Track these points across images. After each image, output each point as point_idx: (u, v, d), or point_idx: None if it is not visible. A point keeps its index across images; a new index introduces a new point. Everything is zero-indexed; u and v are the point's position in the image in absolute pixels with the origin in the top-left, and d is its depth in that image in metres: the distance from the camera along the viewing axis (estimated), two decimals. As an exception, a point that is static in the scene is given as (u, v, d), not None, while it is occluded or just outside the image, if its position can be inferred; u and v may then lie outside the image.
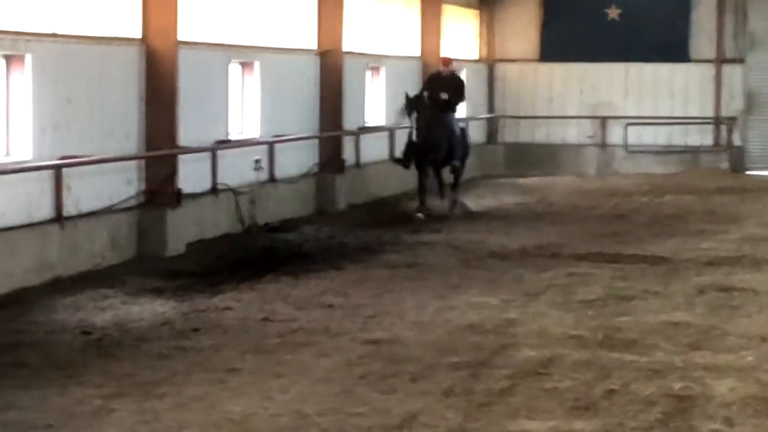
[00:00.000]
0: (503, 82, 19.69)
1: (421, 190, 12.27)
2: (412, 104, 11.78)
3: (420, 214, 12.01)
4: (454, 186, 12.77)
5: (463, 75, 14.89)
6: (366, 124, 14.54)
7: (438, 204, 12.61)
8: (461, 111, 14.41)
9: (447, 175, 13.06)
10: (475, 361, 5.70)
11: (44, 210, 8.13)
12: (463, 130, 13.27)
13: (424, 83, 12.94)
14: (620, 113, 18.85)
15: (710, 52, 18.54)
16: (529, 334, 6.49)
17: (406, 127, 12.50)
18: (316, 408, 4.69)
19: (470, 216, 12.57)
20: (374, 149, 14.58)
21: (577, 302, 7.58)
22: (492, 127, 19.72)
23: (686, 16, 18.59)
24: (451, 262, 9.42)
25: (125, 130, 8.95)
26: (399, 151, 13.38)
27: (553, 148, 19.34)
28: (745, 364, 5.63)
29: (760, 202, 14.29)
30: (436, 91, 12.20)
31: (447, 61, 12.80)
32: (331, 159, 12.92)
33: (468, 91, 17.09)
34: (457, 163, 12.55)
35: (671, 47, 18.50)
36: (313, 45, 13.35)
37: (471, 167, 16.72)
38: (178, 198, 9.08)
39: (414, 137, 11.78)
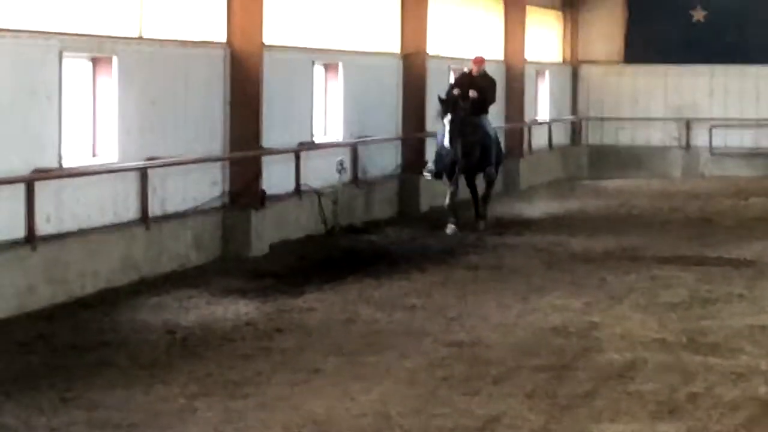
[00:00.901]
0: (587, 84, 19.92)
1: (451, 201, 11.19)
2: (446, 106, 10.88)
3: (451, 228, 10.94)
4: (486, 197, 11.80)
5: (551, 77, 14.33)
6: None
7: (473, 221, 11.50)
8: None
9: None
10: (558, 364, 5.70)
11: (130, 211, 8.31)
12: (497, 135, 12.39)
13: (453, 84, 12.04)
14: (705, 115, 19.08)
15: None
16: (611, 337, 6.53)
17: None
18: (398, 409, 4.74)
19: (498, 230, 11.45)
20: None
21: (661, 305, 7.59)
22: (576, 128, 19.86)
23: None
24: (533, 264, 9.43)
25: (210, 132, 9.13)
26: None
27: (637, 150, 19.31)
28: None
29: None
30: (464, 91, 11.40)
31: (479, 61, 11.95)
32: (413, 161, 12.98)
33: (553, 93, 16.93)
34: (491, 170, 11.65)
35: (757, 49, 18.86)
36: (397, 48, 13.55)
37: (555, 169, 18.09)
38: (262, 199, 9.19)
39: (446, 143, 10.81)
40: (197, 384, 5.17)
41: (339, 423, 4.52)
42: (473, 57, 11.98)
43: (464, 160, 11.09)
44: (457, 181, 11.22)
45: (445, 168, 11.18)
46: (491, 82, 11.93)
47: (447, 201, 11.19)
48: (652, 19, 19.01)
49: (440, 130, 10.96)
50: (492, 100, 11.86)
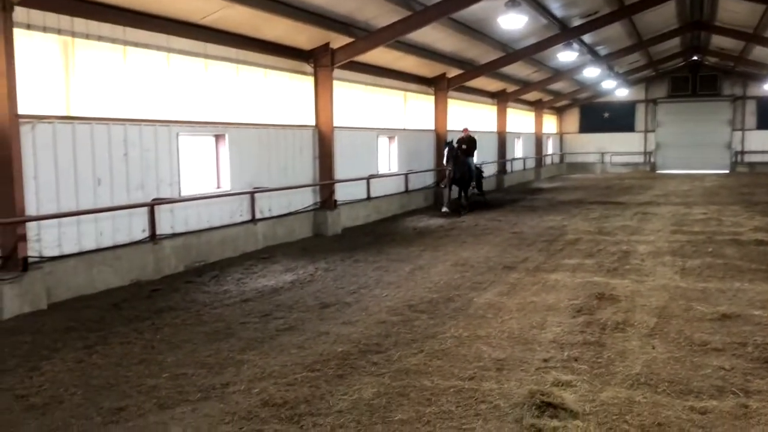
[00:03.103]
0: (567, 141, 44.03)
1: (446, 198, 20.16)
2: (450, 152, 19.22)
3: (445, 209, 19.75)
4: (468, 198, 20.44)
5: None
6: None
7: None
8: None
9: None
10: (550, 239, 14.69)
11: (243, 216, 13.59)
12: (478, 168, 21.87)
13: (457, 141, 20.33)
14: (610, 151, 42.71)
15: None
16: (571, 229, 16.09)
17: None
18: (491, 255, 12.76)
19: (482, 206, 21.27)
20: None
21: (589, 218, 18.23)
22: (561, 158, 42.72)
23: None
24: (544, 205, 22.00)
25: (308, 172, 16.14)
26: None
27: (584, 164, 43.11)
28: (651, 240, 13.82)
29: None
30: (460, 145, 20.10)
31: (465, 131, 21.10)
32: (439, 179, 22.30)
33: (551, 146, 37.23)
34: (473, 184, 20.93)
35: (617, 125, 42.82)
36: (431, 126, 21.43)
37: (552, 171, 40.44)
38: (334, 205, 16.36)
39: (452, 174, 19.47)
40: (426, 246, 13.56)
41: (472, 261, 12.01)
42: (463, 128, 21.44)
43: (460, 181, 19.90)
44: (451, 189, 20.28)
45: (449, 183, 20.01)
46: (473, 141, 20.97)
47: (445, 199, 20.19)
48: (589, 115, 41.90)
49: (450, 163, 19.36)
50: (474, 149, 20.92)
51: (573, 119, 42.54)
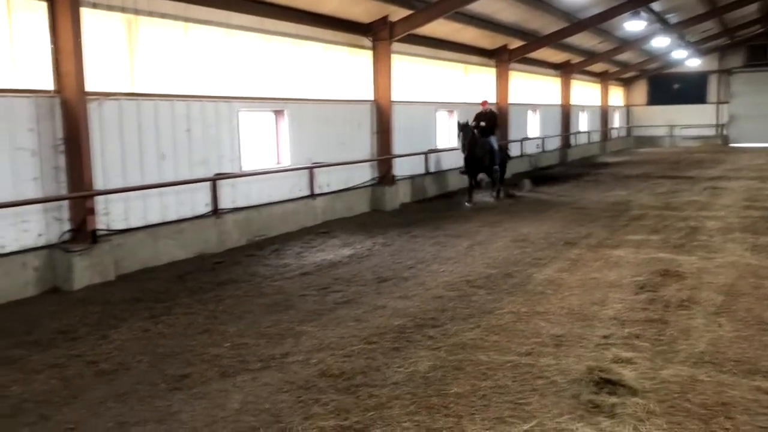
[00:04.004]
0: (634, 114, 42.37)
1: (469, 188, 16.43)
2: (459, 128, 15.69)
3: (468, 204, 16.01)
4: (501, 182, 17.13)
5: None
6: (527, 135, 25.41)
7: (487, 197, 17.22)
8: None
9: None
10: (613, 214, 14.27)
11: (303, 191, 13.63)
12: (501, 147, 17.27)
13: (475, 117, 16.58)
14: (684, 123, 40.53)
15: None
16: (636, 204, 15.72)
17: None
18: (552, 231, 12.45)
19: (512, 197, 17.40)
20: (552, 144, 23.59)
21: (656, 193, 17.79)
22: (628, 131, 41.62)
23: None
24: (609, 179, 21.68)
25: (365, 148, 16.21)
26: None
27: (652, 138, 41.50)
28: (721, 215, 13.43)
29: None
30: (478, 121, 16.32)
31: (484, 103, 16.86)
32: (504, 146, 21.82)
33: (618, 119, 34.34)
34: (496, 168, 16.59)
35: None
36: (493, 99, 21.08)
37: (620, 145, 39.05)
38: (392, 180, 16.33)
39: (461, 151, 15.72)
40: (485, 222, 13.46)
41: (532, 236, 11.94)
42: (481, 101, 17.14)
43: (477, 165, 16.13)
44: (472, 175, 16.31)
45: (465, 167, 16.25)
46: (494, 116, 16.90)
47: (468, 186, 16.49)
48: (658, 87, 40.29)
49: (459, 141, 15.81)
50: (496, 125, 16.81)
51: (641, 91, 41.28)
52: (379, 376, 5.59)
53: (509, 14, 19.75)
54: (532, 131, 26.80)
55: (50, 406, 5.26)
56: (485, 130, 16.39)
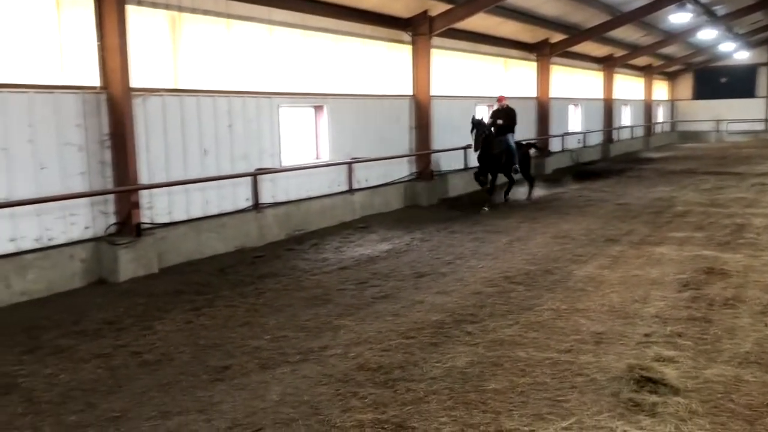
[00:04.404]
0: (679, 108, 40.98)
1: (488, 191, 15.15)
2: (472, 125, 14.49)
3: (486, 208, 14.63)
4: (530, 184, 16.25)
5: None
6: (568, 130, 24.98)
7: (506, 199, 15.99)
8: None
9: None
10: (657, 211, 13.98)
11: (341, 186, 13.67)
12: (521, 146, 15.93)
13: (491, 114, 15.61)
14: (729, 118, 39.65)
15: None
16: (680, 201, 15.29)
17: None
18: (594, 228, 12.27)
19: (537, 202, 15.89)
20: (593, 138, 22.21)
21: (701, 189, 17.35)
22: (672, 126, 40.33)
23: None
24: (652, 176, 21.10)
25: (404, 143, 16.19)
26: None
27: (697, 132, 40.40)
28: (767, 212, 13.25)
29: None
30: (495, 119, 15.22)
31: (501, 99, 15.68)
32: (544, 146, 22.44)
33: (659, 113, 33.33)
34: (516, 168, 15.35)
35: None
36: (533, 94, 20.86)
37: (664, 140, 38.09)
38: (431, 175, 16.29)
39: (473, 150, 14.65)
40: (524, 218, 13.45)
41: (573, 233, 11.74)
42: (498, 96, 16.04)
43: (492, 164, 14.79)
44: (489, 175, 14.93)
45: (480, 167, 14.92)
46: (512, 113, 15.44)
47: (487, 189, 15.13)
48: (704, 81, 39.12)
49: (473, 138, 14.53)
50: (514, 123, 15.41)
51: (686, 85, 40.61)
52: (416, 371, 5.60)
53: (551, 7, 19.50)
54: (573, 126, 26.45)
55: (97, 395, 5.41)
56: (502, 128, 15.20)
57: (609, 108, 29.44)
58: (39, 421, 4.95)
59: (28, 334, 6.99)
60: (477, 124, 14.52)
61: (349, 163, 14.03)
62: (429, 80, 16.19)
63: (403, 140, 16.09)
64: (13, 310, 7.94)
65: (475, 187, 18.50)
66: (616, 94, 30.05)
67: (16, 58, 8.45)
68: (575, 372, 5.46)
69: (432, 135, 16.46)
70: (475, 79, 19.29)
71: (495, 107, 15.79)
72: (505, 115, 15.34)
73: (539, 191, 17.72)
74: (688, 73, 39.91)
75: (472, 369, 5.60)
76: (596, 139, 28.66)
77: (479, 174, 15.10)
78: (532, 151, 16.48)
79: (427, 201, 16.02)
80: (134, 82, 9.51)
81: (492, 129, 15.00)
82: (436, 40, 16.34)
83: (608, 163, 26.03)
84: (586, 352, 5.90)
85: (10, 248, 8.33)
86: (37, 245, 8.62)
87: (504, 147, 15.06)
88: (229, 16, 11.30)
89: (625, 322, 6.74)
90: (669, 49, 31.70)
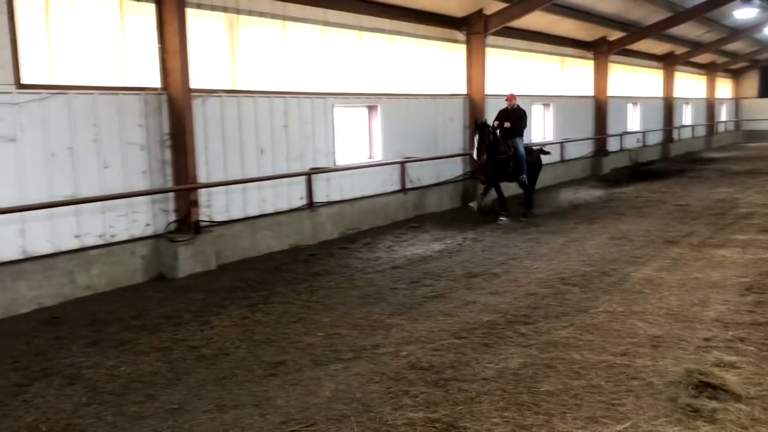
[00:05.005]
0: (743, 106, 38.25)
1: (483, 193, 13.58)
2: (474, 128, 12.98)
3: (472, 204, 13.75)
4: (528, 197, 13.90)
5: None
6: (627, 129, 24.86)
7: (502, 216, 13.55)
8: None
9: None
10: (719, 212, 13.67)
11: (394, 185, 13.78)
12: (531, 152, 13.98)
13: (498, 116, 13.63)
14: None
15: None
16: (743, 202, 14.88)
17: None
18: (652, 228, 12.05)
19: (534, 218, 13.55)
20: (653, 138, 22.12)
21: (766, 190, 16.96)
22: (737, 125, 37.64)
23: None
24: (715, 176, 20.60)
25: (457, 143, 16.14)
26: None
27: (762, 131, 38.62)
28: None
29: None
30: (503, 121, 13.30)
31: (510, 98, 13.65)
32: (601, 148, 22.44)
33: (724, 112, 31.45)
34: (523, 178, 13.46)
35: None
36: (590, 92, 20.75)
37: (728, 139, 36.81)
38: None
39: (475, 155, 12.86)
40: (581, 219, 13.28)
41: (630, 234, 11.52)
42: (507, 95, 13.84)
43: (498, 172, 13.09)
44: (489, 181, 13.24)
45: (482, 173, 13.23)
46: (521, 114, 13.54)
47: (480, 197, 13.70)
48: None
49: (474, 143, 12.88)
50: (523, 127, 13.55)
51: (751, 83, 39.13)
52: (468, 371, 5.59)
53: (609, 5, 19.11)
54: (632, 125, 25.85)
55: (156, 387, 5.58)
56: (509, 132, 13.37)
57: (669, 107, 28.66)
58: (102, 411, 5.14)
59: (92, 327, 7.25)
60: (480, 128, 12.77)
61: (402, 163, 14.05)
62: (484, 79, 16.08)
63: (456, 139, 16.02)
64: (77, 303, 8.24)
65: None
66: (677, 92, 29.24)
67: (82, 61, 8.77)
68: (631, 375, 5.36)
69: (486, 134, 16.29)
70: (530, 78, 19.05)
71: (503, 108, 13.78)
72: (514, 118, 13.45)
73: (596, 192, 17.39)
74: (753, 71, 38.51)
75: (524, 370, 5.56)
76: (655, 138, 27.95)
77: (484, 183, 13.46)
78: (543, 156, 14.74)
79: (481, 200, 15.86)
80: (193, 83, 9.75)
81: (497, 132, 13.26)
82: (490, 39, 16.22)
83: (668, 163, 25.35)
84: (643, 356, 5.78)
85: (75, 244, 8.65)
86: (100, 241, 8.93)
87: (511, 153, 13.31)
88: (285, 17, 11.46)
89: (684, 325, 6.57)
90: (733, 46, 30.66)
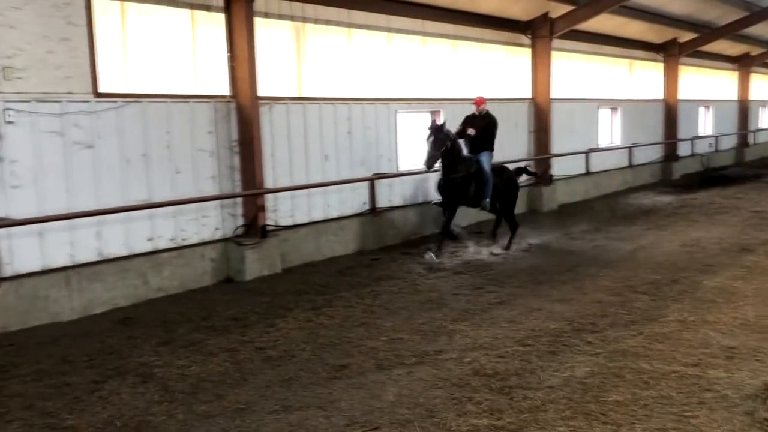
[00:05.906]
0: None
1: (442, 229, 10.70)
2: (429, 132, 10.27)
3: (431, 254, 10.26)
4: (497, 224, 11.74)
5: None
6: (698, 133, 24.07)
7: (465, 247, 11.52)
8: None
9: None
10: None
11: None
12: (502, 171, 11.46)
13: (463, 121, 11.10)
14: None
15: None
16: None
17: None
18: (726, 236, 11.68)
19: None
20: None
21: None
22: None
23: None
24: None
25: (521, 148, 15.79)
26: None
27: None
28: None
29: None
30: (465, 128, 10.83)
31: (478, 101, 11.16)
32: (671, 153, 21.46)
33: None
34: (486, 203, 10.89)
35: None
36: (659, 96, 20.29)
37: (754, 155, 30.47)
38: (550, 180, 15.95)
39: (425, 166, 10.30)
40: (650, 225, 13.03)
41: (703, 241, 11.24)
42: (475, 97, 11.34)
43: (457, 193, 10.47)
44: (449, 209, 10.59)
45: (442, 200, 10.64)
46: (491, 122, 11.04)
47: (439, 235, 10.70)
48: None
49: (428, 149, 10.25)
50: (491, 138, 10.97)
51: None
52: (533, 379, 5.52)
53: (680, 6, 18.57)
54: (703, 129, 24.99)
55: (224, 387, 5.72)
56: (476, 142, 10.84)
57: (744, 110, 27.58)
58: (173, 409, 5.30)
59: (164, 327, 7.49)
60: (435, 131, 10.23)
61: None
62: (549, 83, 15.87)
63: (521, 144, 15.83)
64: (150, 304, 8.54)
65: (599, 191, 18.01)
66: (753, 94, 28.11)
67: (156, 70, 9.09)
68: (704, 387, 5.18)
69: (551, 139, 16.08)
70: (597, 81, 18.66)
71: (470, 114, 11.23)
72: (482, 125, 10.90)
73: (666, 198, 16.85)
74: (837, 71, 36.65)
75: (592, 379, 5.45)
76: (729, 142, 26.93)
77: (441, 205, 10.73)
78: (522, 178, 12.18)
79: (547, 206, 15.68)
80: (261, 91, 9.96)
81: (459, 141, 10.63)
82: (555, 42, 15.99)
83: (742, 168, 24.38)
84: (717, 367, 5.58)
85: (148, 247, 8.95)
86: (171, 245, 9.21)
87: (473, 169, 10.64)
88: (350, 25, 11.60)
89: (762, 336, 6.31)
90: (815, 45, 29.27)
